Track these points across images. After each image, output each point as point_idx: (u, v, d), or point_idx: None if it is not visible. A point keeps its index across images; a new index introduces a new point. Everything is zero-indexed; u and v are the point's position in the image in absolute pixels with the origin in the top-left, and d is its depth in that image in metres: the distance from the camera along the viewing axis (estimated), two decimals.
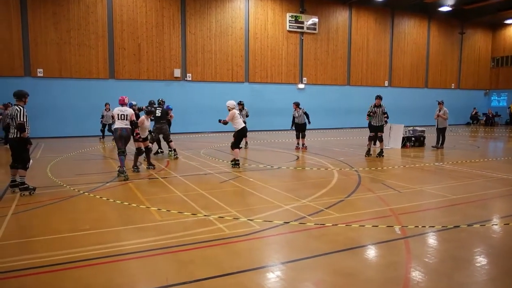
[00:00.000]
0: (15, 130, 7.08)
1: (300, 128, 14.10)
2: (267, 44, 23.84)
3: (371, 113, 12.19)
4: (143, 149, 9.97)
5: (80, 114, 19.26)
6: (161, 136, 12.20)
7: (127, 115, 8.95)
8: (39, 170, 10.18)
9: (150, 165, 10.10)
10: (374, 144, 13.33)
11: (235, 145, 10.22)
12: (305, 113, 13.88)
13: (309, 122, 13.89)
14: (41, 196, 7.27)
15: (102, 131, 17.50)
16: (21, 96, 7.26)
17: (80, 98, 19.33)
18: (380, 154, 12.32)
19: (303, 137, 14.12)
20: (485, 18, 30.68)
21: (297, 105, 14.05)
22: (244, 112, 14.49)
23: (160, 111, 11.83)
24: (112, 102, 20.18)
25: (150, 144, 10.36)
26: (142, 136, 9.94)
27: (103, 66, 19.86)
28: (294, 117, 14.06)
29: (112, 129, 11.24)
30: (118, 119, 8.96)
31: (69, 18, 19.08)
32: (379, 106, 12.15)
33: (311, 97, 24.69)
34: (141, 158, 10.26)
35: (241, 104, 14.36)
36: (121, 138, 8.95)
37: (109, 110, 16.85)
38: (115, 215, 6.07)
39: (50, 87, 18.82)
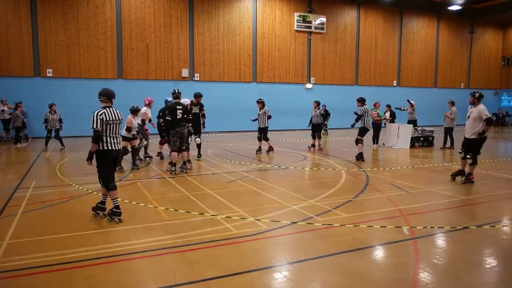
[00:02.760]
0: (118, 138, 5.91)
1: (316, 128, 13.76)
2: (274, 44, 23.81)
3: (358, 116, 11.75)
4: (129, 149, 9.87)
5: (88, 114, 19.31)
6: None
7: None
8: (48, 169, 10.28)
9: (134, 164, 10.03)
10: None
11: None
12: (322, 114, 13.73)
13: (324, 124, 13.65)
14: (50, 195, 7.34)
15: (48, 138, 13.76)
16: (111, 96, 5.90)
17: (89, 98, 19.34)
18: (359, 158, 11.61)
19: (319, 137, 13.88)
20: (495, 16, 30.35)
21: (317, 103, 13.67)
22: (262, 111, 12.83)
23: (181, 109, 9.33)
24: (122, 101, 20.35)
25: (136, 144, 10.13)
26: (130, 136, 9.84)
27: (111, 66, 20.00)
28: (312, 116, 13.86)
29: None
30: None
31: (78, 19, 19.25)
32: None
33: (319, 97, 24.47)
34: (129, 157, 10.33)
35: (260, 102, 12.93)
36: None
37: (55, 112, 13.71)
38: (123, 214, 6.10)
39: (59, 87, 18.97)
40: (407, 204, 6.76)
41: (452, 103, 14.63)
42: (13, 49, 18.25)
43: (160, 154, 11.88)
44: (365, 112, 11.65)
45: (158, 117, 11.58)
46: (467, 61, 31.41)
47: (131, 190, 7.84)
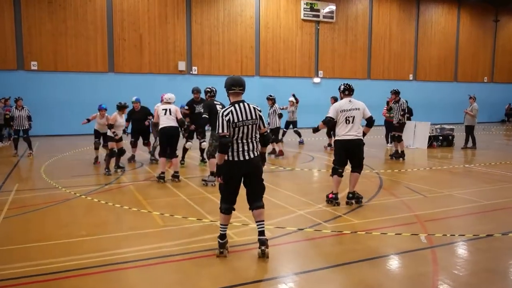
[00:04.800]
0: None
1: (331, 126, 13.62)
2: (279, 35, 23.80)
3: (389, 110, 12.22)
4: (116, 150, 9.74)
5: (77, 111, 19.37)
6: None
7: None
8: (33, 170, 10.30)
9: (118, 167, 9.97)
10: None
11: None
12: None
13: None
14: (35, 199, 7.36)
15: (16, 139, 12.69)
16: (243, 86, 4.88)
17: (78, 93, 19.51)
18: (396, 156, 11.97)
19: (335, 135, 13.73)
20: None
21: (335, 99, 13.36)
22: (273, 109, 12.46)
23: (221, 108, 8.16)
24: (113, 96, 20.40)
25: (123, 145, 9.95)
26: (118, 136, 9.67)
27: (102, 59, 20.04)
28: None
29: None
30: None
31: (65, 7, 19.28)
32: (397, 101, 11.99)
33: (327, 92, 24.32)
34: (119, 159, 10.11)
35: (270, 99, 12.66)
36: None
37: (22, 108, 12.61)
38: (114, 220, 6.11)
39: (45, 81, 19.03)
40: (425, 209, 6.73)
41: (474, 99, 14.55)
42: None
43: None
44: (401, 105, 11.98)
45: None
46: (491, 52, 31.29)
47: (122, 193, 7.85)
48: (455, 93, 28.59)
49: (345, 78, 25.71)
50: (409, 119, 15.79)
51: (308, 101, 23.41)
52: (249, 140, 4.63)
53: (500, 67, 31.78)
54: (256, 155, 4.68)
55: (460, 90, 28.19)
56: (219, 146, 4.55)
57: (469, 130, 14.54)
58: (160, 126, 8.62)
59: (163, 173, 8.74)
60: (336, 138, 7.09)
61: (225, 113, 4.55)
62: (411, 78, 28.07)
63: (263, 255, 4.55)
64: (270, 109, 12.52)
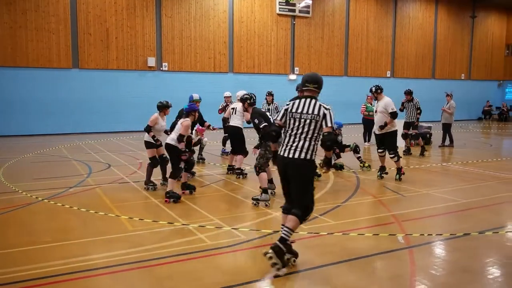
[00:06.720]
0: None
1: None
2: (254, 29, 23.84)
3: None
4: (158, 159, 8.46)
5: (38, 110, 18.98)
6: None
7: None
8: None
9: (165, 179, 8.53)
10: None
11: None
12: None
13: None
14: None
15: None
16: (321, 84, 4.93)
17: (39, 90, 19.03)
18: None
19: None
20: None
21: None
22: (274, 106, 12.22)
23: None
24: (76, 94, 20.07)
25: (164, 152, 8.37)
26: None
27: (65, 54, 19.61)
28: None
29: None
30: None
31: None
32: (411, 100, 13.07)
33: None
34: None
35: (271, 95, 12.33)
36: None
37: None
38: (81, 225, 6.02)
39: (3, 77, 18.49)
40: (402, 209, 6.89)
41: (451, 96, 14.91)
42: None
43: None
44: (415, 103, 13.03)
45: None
46: (468, 49, 32.14)
47: (88, 197, 7.73)
48: (433, 90, 29.16)
49: (321, 75, 25.95)
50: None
51: (284, 98, 23.48)
52: (302, 137, 4.41)
53: (477, 64, 32.67)
54: (303, 156, 4.37)
55: (438, 87, 28.79)
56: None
57: (447, 128, 14.91)
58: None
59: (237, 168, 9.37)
60: None
61: (287, 103, 4.60)
62: (388, 75, 28.57)
63: (269, 260, 4.28)
64: (271, 105, 12.23)
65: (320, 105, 4.47)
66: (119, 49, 20.64)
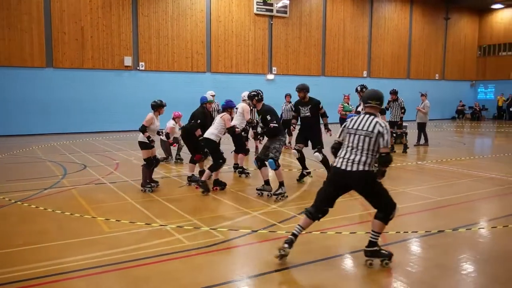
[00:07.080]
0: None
1: (288, 125, 14.20)
2: (231, 29, 23.82)
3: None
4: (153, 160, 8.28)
5: (9, 109, 18.55)
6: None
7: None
8: None
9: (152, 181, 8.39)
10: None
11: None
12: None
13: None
14: None
15: None
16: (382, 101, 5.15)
17: (10, 90, 18.60)
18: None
19: (290, 135, 14.12)
20: (471, 1, 31.85)
21: (290, 97, 14.44)
22: (290, 106, 13.83)
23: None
24: (51, 93, 19.69)
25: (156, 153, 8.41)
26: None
27: (38, 53, 19.20)
28: (282, 112, 14.42)
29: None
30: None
31: None
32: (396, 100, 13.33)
33: (281, 89, 24.48)
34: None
35: (289, 96, 14.45)
36: None
37: None
38: (55, 228, 5.91)
39: None
40: None
41: (425, 96, 15.18)
42: None
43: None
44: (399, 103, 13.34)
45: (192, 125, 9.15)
46: (442, 50, 32.80)
47: (63, 198, 7.60)
48: (408, 90, 29.52)
49: (299, 75, 26.13)
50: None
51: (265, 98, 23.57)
52: (358, 152, 4.53)
53: (450, 64, 33.37)
54: (361, 168, 4.46)
55: (413, 87, 29.26)
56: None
57: (421, 127, 15.17)
58: None
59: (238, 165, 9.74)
60: None
61: (348, 119, 4.81)
62: (365, 75, 28.91)
63: (370, 266, 4.54)
64: (288, 105, 13.94)
65: (376, 122, 4.55)
66: (94, 48, 20.32)
